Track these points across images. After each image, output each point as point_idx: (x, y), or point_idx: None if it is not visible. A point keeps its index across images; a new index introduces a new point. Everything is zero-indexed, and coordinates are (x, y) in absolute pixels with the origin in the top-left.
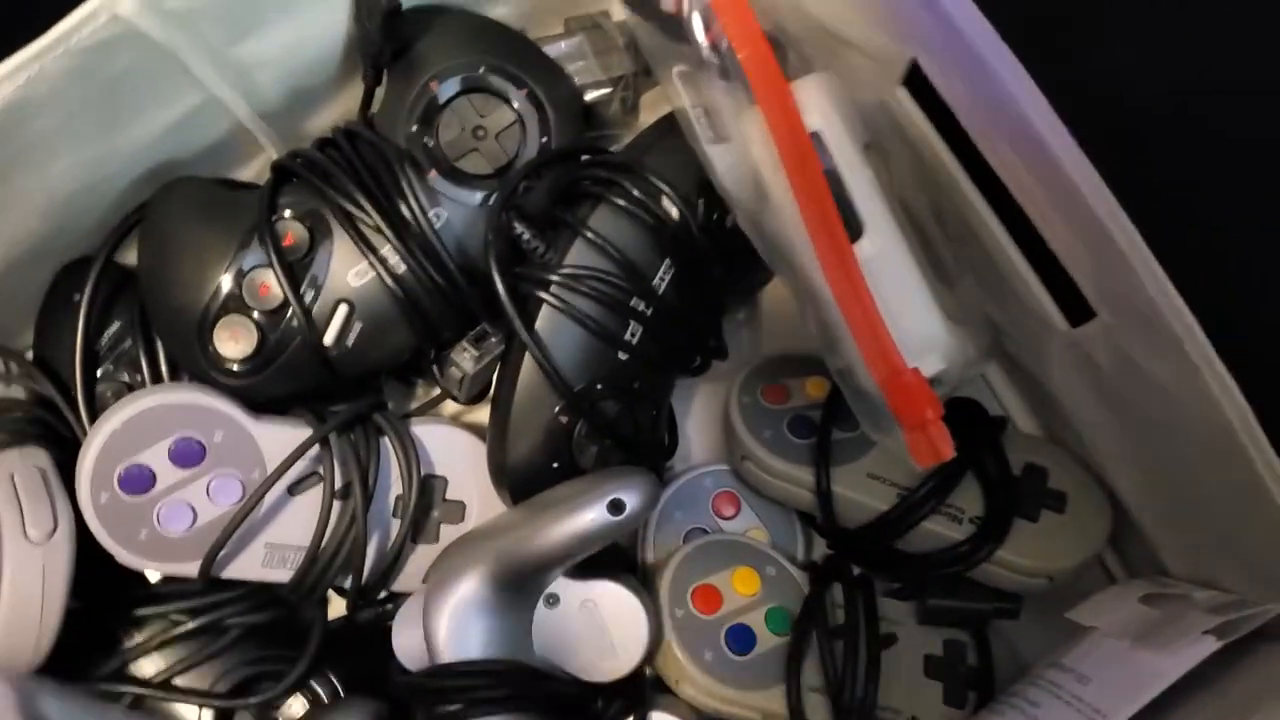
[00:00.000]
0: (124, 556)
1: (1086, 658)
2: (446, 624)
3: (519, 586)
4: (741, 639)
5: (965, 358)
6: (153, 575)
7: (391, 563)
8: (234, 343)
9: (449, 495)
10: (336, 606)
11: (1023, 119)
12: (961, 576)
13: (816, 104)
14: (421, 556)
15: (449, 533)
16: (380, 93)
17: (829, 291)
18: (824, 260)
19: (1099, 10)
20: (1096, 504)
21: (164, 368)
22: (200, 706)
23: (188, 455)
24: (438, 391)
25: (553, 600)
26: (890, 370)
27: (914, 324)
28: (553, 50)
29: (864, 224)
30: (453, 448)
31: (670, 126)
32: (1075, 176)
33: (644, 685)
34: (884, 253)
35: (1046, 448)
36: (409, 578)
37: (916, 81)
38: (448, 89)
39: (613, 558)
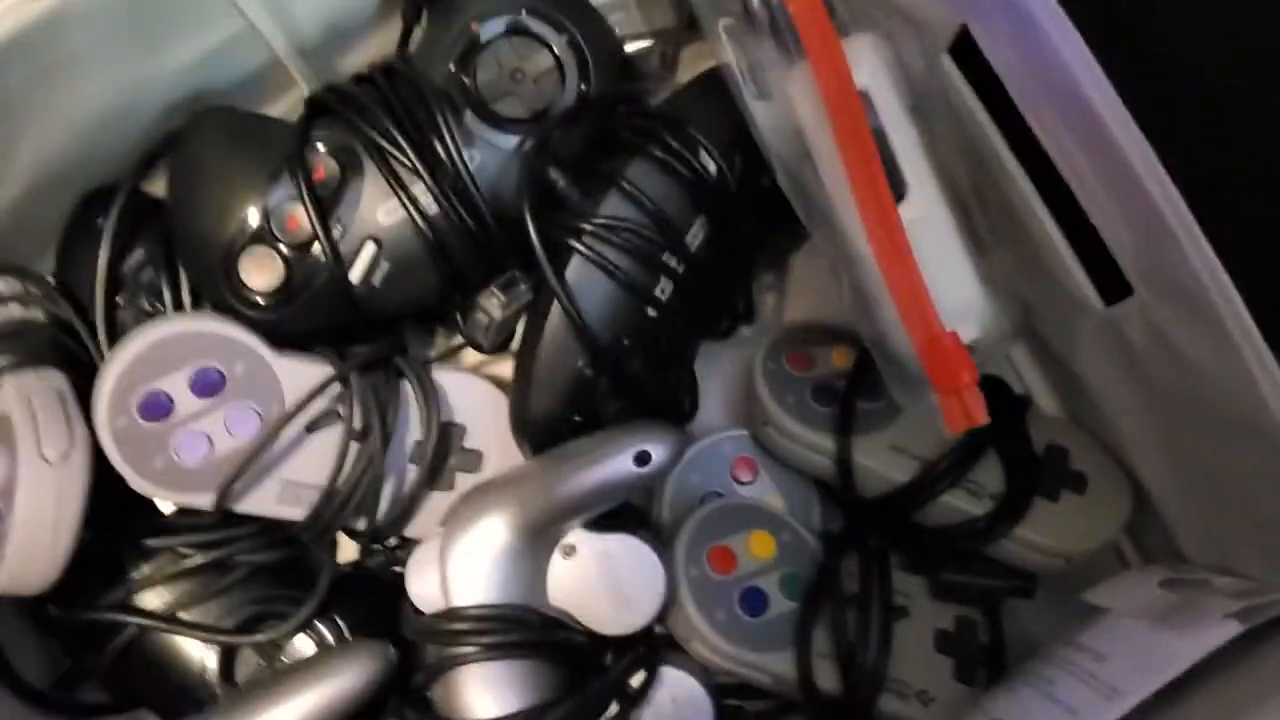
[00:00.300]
0: (138, 483)
1: (1103, 636)
2: (462, 568)
3: (537, 534)
4: (754, 601)
5: (1000, 328)
6: (165, 506)
7: (406, 507)
8: (259, 275)
9: (467, 444)
10: (346, 551)
11: (1074, 85)
12: (977, 553)
13: (866, 62)
14: (436, 503)
15: (465, 481)
16: (418, 32)
17: (869, 252)
18: (867, 220)
19: None
20: (1117, 487)
21: (186, 298)
22: (205, 642)
23: (207, 385)
24: (459, 340)
25: (570, 551)
26: (928, 333)
27: (952, 290)
28: None
29: (908, 186)
30: (472, 396)
31: (712, 81)
32: (1126, 147)
33: (656, 641)
34: (926, 216)
35: (1069, 429)
36: (422, 524)
37: (964, 48)
38: (489, 30)
39: (629, 516)
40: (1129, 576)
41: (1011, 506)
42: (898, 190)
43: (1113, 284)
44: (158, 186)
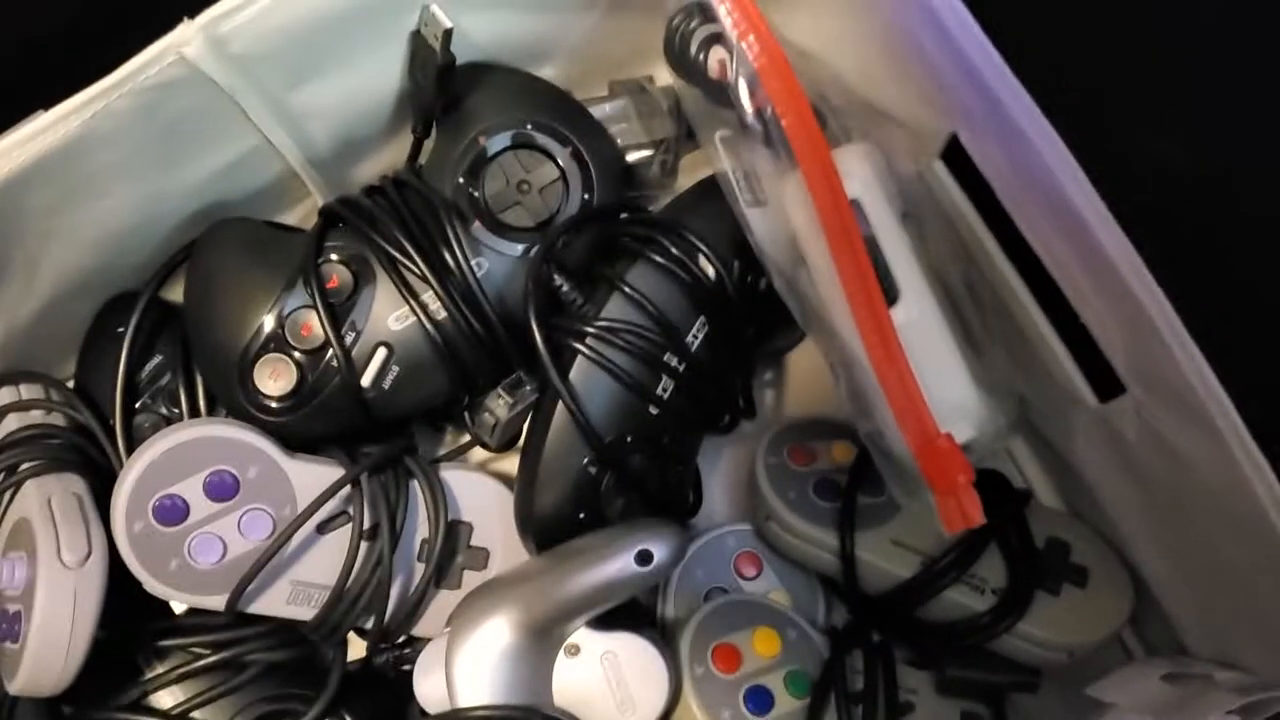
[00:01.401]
0: (153, 586)
1: None
2: (467, 669)
3: (541, 634)
4: (760, 700)
5: (995, 427)
6: (178, 606)
7: (414, 606)
8: (274, 380)
9: (474, 541)
10: (355, 649)
11: (1060, 193)
12: (981, 648)
13: (857, 172)
14: (444, 601)
15: (472, 579)
16: (428, 145)
17: (864, 355)
18: (861, 324)
19: (1136, 89)
20: (1118, 580)
21: (202, 402)
22: None
23: (222, 489)
24: (466, 438)
25: (574, 650)
26: (923, 435)
27: (946, 391)
28: (598, 111)
29: (900, 290)
30: (479, 494)
31: (709, 188)
32: (1111, 251)
33: None
34: (919, 319)
35: (1069, 522)
36: (430, 622)
37: (954, 154)
38: (496, 143)
39: (633, 613)
40: (1132, 670)
41: (1014, 601)
42: (890, 295)
43: (1106, 381)
44: (176, 294)
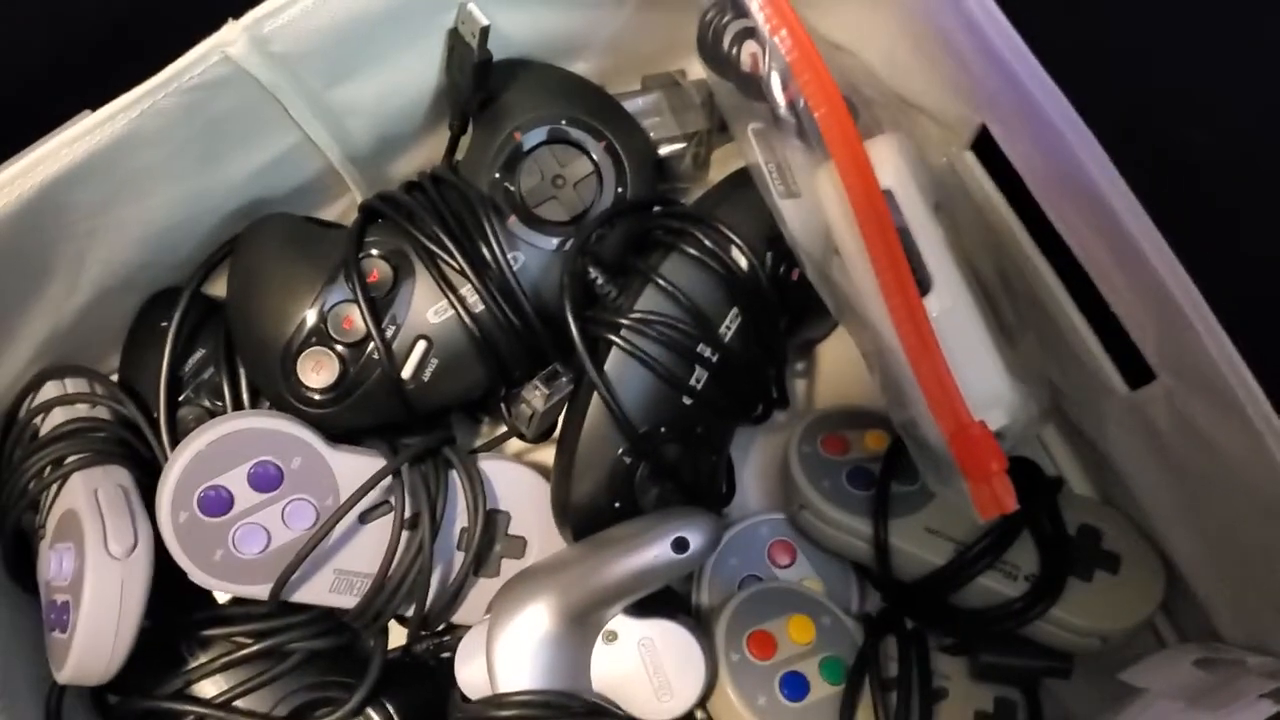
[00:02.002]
0: (198, 576)
1: (1141, 717)
2: (507, 655)
3: (580, 621)
4: (795, 686)
5: (1028, 414)
6: (222, 596)
7: (454, 594)
8: (316, 373)
9: (511, 530)
10: (395, 637)
11: (1090, 183)
12: (1014, 634)
13: (889, 163)
14: (482, 590)
15: (510, 567)
16: (465, 141)
17: (898, 344)
18: (894, 314)
19: (1165, 78)
20: (1151, 566)
21: (245, 395)
22: None
23: (266, 480)
24: (503, 429)
25: (611, 637)
26: (957, 423)
27: (979, 379)
28: (631, 105)
29: (933, 280)
30: (516, 484)
31: (742, 180)
32: (1140, 239)
33: None
34: (952, 309)
35: (1101, 509)
36: (469, 610)
37: (984, 146)
38: (531, 138)
39: (669, 601)
40: (1165, 656)
41: (1046, 588)
42: (923, 285)
43: (1136, 369)
44: (218, 289)
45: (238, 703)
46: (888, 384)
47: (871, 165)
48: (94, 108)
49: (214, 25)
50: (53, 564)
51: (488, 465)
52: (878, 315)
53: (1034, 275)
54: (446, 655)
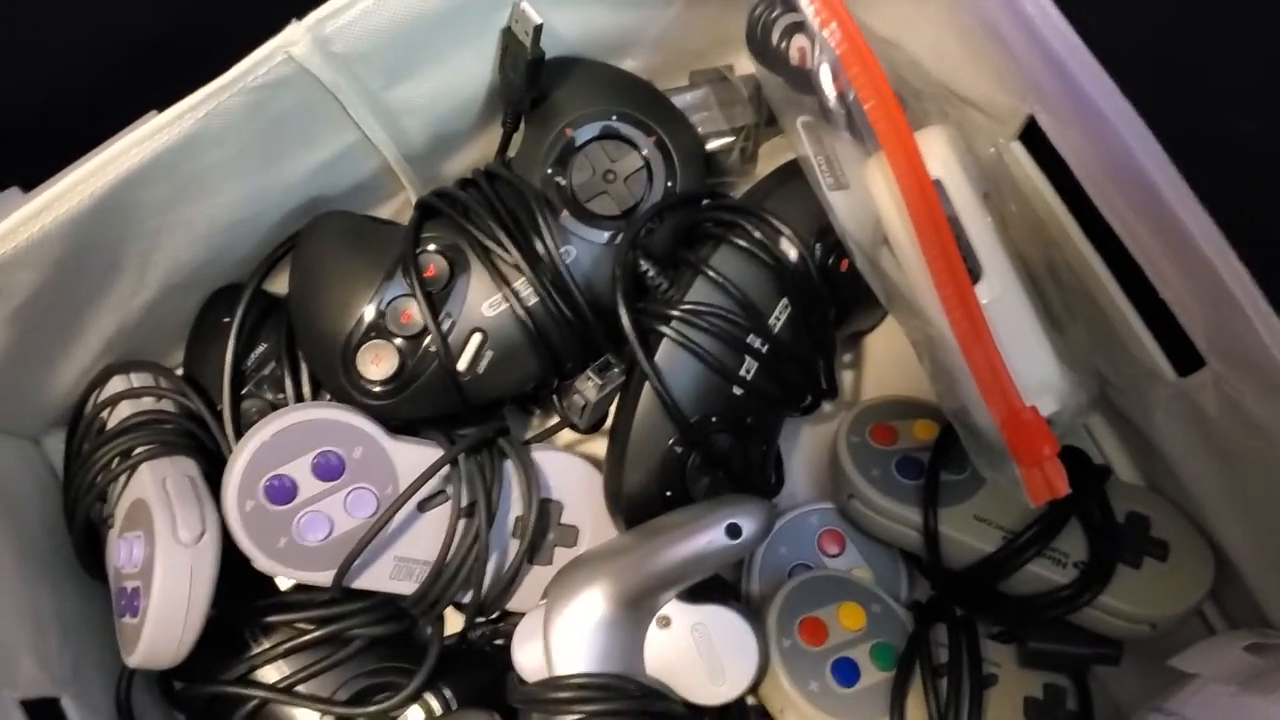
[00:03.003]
0: (263, 562)
1: (1190, 701)
2: (564, 638)
3: (634, 606)
4: (846, 671)
5: (1077, 401)
6: (284, 583)
7: (509, 581)
8: (375, 366)
9: (564, 519)
10: (452, 624)
11: (1140, 171)
12: (1063, 621)
13: (938, 153)
14: (536, 577)
15: (562, 555)
16: (517, 138)
17: (949, 332)
18: (946, 302)
19: (1215, 65)
20: (1199, 553)
21: (306, 388)
22: (321, 714)
23: (328, 469)
24: (556, 420)
25: (665, 622)
26: (1009, 408)
27: (1030, 366)
28: (679, 101)
29: (983, 268)
30: (569, 474)
31: (790, 173)
32: (1191, 227)
33: (749, 711)
34: (1002, 296)
35: (1149, 497)
36: (524, 597)
37: (1033, 136)
38: (582, 134)
39: (721, 589)
40: (1215, 642)
41: (1095, 574)
42: (974, 273)
43: (1185, 356)
44: (278, 285)
45: (299, 688)
46: (938, 372)
47: (921, 156)
48: (161, 109)
49: (270, 27)
50: (122, 552)
51: (541, 455)
52: (929, 304)
53: (1082, 264)
54: (501, 641)
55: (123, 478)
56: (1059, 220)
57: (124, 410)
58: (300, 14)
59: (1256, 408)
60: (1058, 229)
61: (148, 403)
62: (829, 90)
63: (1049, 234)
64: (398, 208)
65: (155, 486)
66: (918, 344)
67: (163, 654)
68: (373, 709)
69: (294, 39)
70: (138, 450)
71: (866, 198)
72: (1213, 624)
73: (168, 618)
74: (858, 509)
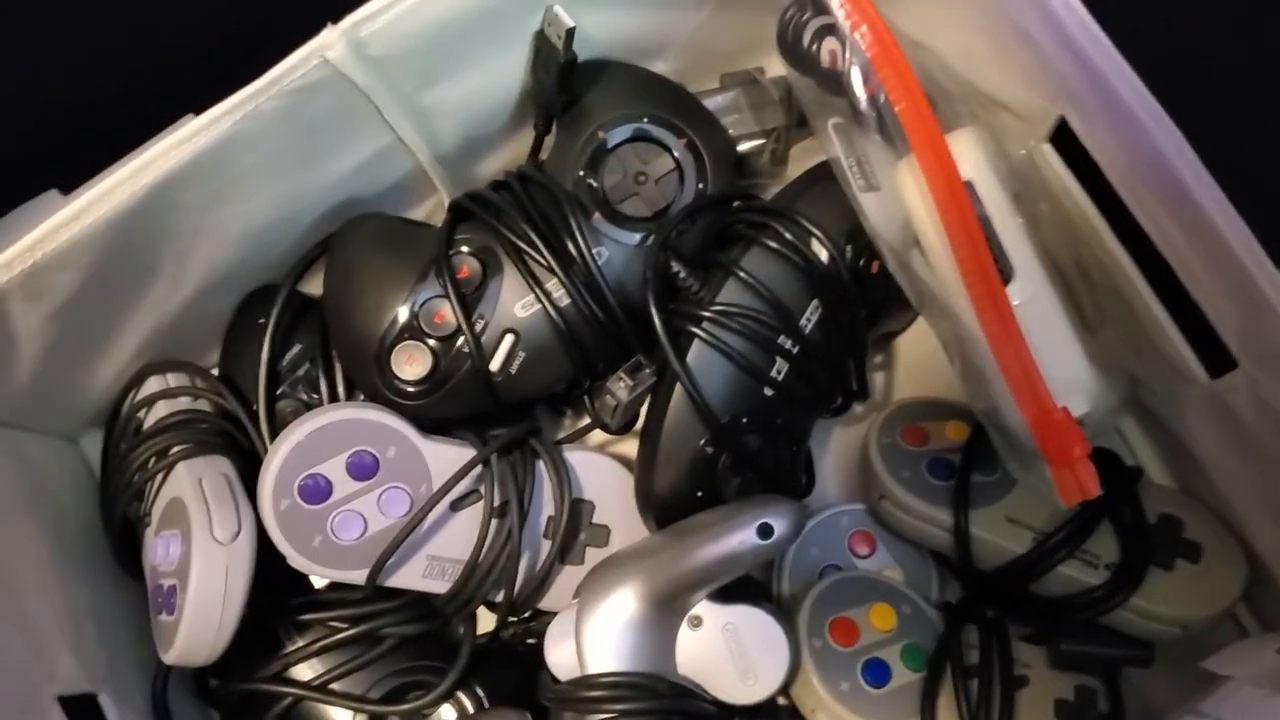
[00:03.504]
0: (298, 560)
1: (1224, 704)
2: (596, 637)
3: (665, 606)
4: (877, 672)
5: (1108, 403)
6: (318, 582)
7: (540, 581)
8: (410, 366)
9: (595, 519)
10: (483, 623)
11: (1171, 172)
12: (1095, 622)
13: (968, 155)
14: (567, 577)
15: (594, 555)
16: (549, 141)
17: (980, 333)
18: (977, 303)
19: (1245, 65)
20: (1232, 555)
21: (340, 388)
22: (355, 712)
23: (363, 469)
24: (587, 421)
25: (697, 622)
26: (1040, 409)
27: (1061, 367)
28: (710, 103)
29: (1014, 269)
30: (600, 474)
31: (820, 175)
32: (1224, 228)
33: (779, 711)
34: (1033, 297)
35: (1181, 499)
36: (555, 596)
37: (1063, 137)
38: (614, 137)
39: (751, 589)
40: (1248, 644)
41: (1127, 576)
42: (1004, 274)
43: (1217, 357)
44: (312, 286)
45: (333, 686)
46: (969, 373)
47: (952, 157)
48: (197, 112)
49: (305, 31)
50: (159, 550)
51: (572, 456)
52: (960, 304)
53: (1114, 265)
54: (533, 640)
55: (159, 477)
56: (1090, 221)
57: (161, 410)
58: (335, 18)
59: None
60: (1088, 229)
61: (184, 402)
62: (860, 92)
63: (1079, 234)
64: (431, 209)
65: (192, 485)
66: (948, 345)
67: (199, 651)
68: (406, 707)
69: (330, 43)
70: (174, 450)
71: (897, 199)
72: (1246, 626)
73: (204, 615)
74: (889, 510)
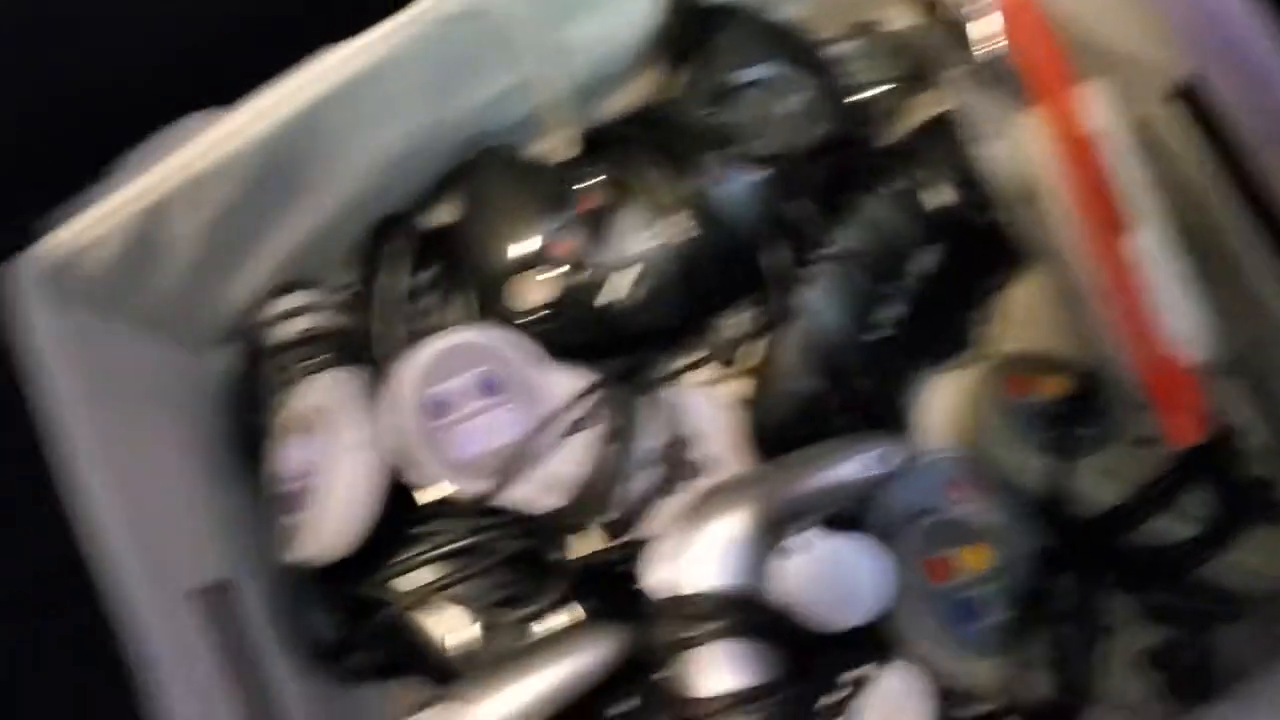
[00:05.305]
0: (424, 471)
1: None
2: (698, 557)
3: (770, 531)
4: (968, 611)
5: (1219, 356)
6: (432, 494)
7: (643, 507)
8: (535, 293)
9: (701, 452)
10: (588, 542)
11: None
12: (1187, 575)
13: (1095, 108)
14: (671, 503)
15: (697, 485)
16: (676, 80)
17: (1098, 282)
18: (1097, 252)
19: None
20: None
21: (468, 311)
22: (470, 618)
23: (486, 388)
24: (700, 356)
25: (796, 549)
26: (1154, 355)
27: (1177, 316)
28: (835, 50)
29: (1135, 221)
30: (704, 411)
31: (941, 124)
32: None
33: (873, 639)
34: (1153, 248)
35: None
36: (657, 523)
37: (1190, 95)
38: (741, 78)
39: (853, 523)
40: None
41: (1222, 530)
42: (1127, 224)
43: None
44: (439, 216)
45: (439, 594)
46: (1084, 321)
47: (1077, 109)
48: (289, 64)
49: None
50: (293, 454)
51: (680, 391)
52: (1079, 254)
53: (1231, 226)
54: (633, 562)
55: (295, 386)
56: (1211, 181)
57: (298, 324)
58: None
59: None
60: (1203, 192)
61: (321, 318)
62: (986, 43)
63: (1197, 194)
64: (559, 144)
65: (329, 395)
66: (1065, 294)
67: (325, 551)
68: (509, 617)
69: None
70: (310, 361)
71: (1019, 149)
72: None
73: (332, 518)
74: (989, 457)
